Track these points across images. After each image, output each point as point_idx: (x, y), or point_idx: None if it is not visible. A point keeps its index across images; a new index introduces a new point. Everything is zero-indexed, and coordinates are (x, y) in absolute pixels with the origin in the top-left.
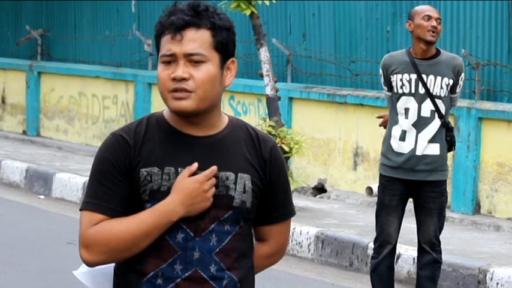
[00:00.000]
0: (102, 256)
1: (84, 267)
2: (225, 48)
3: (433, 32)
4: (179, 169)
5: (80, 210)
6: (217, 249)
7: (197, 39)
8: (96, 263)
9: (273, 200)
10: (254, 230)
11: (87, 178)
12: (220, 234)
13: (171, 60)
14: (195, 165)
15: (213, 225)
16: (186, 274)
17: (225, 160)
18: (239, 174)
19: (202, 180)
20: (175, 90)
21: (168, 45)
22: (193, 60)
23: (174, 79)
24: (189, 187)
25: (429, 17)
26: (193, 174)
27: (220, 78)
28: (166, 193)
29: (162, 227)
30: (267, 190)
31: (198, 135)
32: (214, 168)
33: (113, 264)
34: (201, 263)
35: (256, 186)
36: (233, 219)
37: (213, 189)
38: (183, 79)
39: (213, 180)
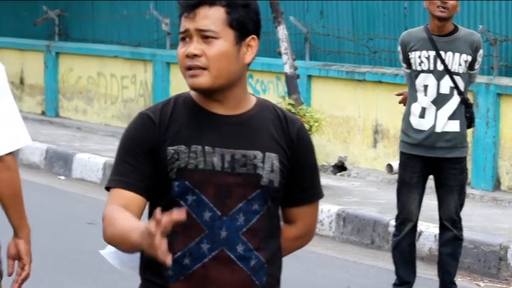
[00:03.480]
0: (106, 238)
1: (110, 247)
2: (241, 25)
3: (443, 7)
4: (206, 147)
5: (105, 188)
6: (245, 229)
7: (210, 16)
8: (106, 241)
9: (300, 181)
10: (282, 212)
11: (107, 158)
12: (248, 214)
13: (186, 36)
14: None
15: (240, 204)
16: (213, 254)
17: (252, 139)
18: (266, 153)
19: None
20: (190, 68)
21: (183, 23)
22: (205, 36)
23: (187, 56)
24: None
25: None
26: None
27: (236, 55)
28: (194, 171)
29: (137, 248)
30: (294, 170)
31: (224, 114)
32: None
33: None
34: (228, 243)
35: (283, 166)
36: (261, 198)
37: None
38: (196, 56)
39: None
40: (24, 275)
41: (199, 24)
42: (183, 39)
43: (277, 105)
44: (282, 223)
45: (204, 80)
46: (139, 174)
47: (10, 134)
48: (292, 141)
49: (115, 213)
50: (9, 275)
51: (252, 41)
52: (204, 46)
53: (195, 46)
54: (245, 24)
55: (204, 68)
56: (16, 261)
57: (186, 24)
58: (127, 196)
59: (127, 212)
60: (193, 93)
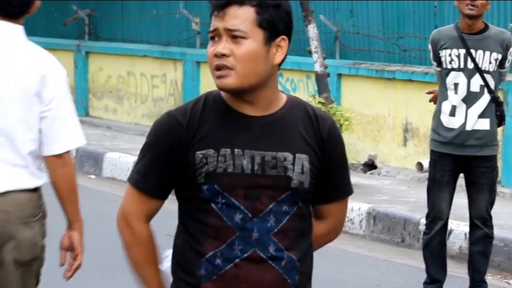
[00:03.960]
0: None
1: (168, 260)
2: (271, 25)
3: (472, 5)
4: (235, 150)
5: (127, 180)
6: (276, 230)
7: (239, 16)
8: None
9: (331, 179)
10: (312, 208)
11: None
12: (278, 215)
13: (215, 35)
14: None
15: (270, 206)
16: (245, 255)
17: (283, 140)
18: (297, 155)
19: None
20: (218, 68)
21: (212, 22)
22: (234, 35)
23: (216, 55)
24: None
25: None
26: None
27: (265, 56)
28: (222, 174)
29: None
30: (325, 169)
31: (254, 114)
32: None
33: None
34: (259, 244)
35: (314, 166)
36: (291, 199)
37: None
38: (224, 55)
39: None
40: (77, 265)
41: (228, 23)
42: (213, 38)
43: (308, 103)
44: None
45: (231, 80)
46: (159, 179)
47: (69, 134)
48: (323, 140)
49: (146, 250)
50: (62, 265)
51: (282, 42)
52: (233, 46)
53: (223, 46)
54: (275, 24)
55: (231, 68)
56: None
57: (215, 23)
58: (144, 201)
59: (155, 252)
60: (223, 92)
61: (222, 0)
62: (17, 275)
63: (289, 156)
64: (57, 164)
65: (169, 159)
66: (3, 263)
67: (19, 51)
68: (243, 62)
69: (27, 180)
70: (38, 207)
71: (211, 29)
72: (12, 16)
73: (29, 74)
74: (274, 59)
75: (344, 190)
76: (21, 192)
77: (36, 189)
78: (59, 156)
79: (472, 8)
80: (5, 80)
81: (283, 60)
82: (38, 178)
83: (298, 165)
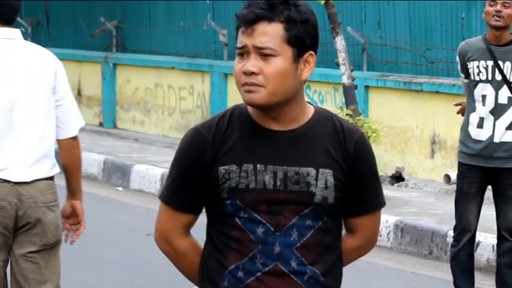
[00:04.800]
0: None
1: None
2: (299, 41)
3: (497, 16)
4: (258, 166)
5: (159, 198)
6: (298, 244)
7: (268, 33)
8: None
9: (360, 192)
10: (344, 221)
11: (165, 169)
12: (302, 229)
13: (243, 52)
14: None
15: (293, 220)
16: (267, 268)
17: (306, 155)
18: (320, 170)
19: None
20: (246, 84)
21: (240, 38)
22: (263, 53)
23: (244, 73)
24: None
25: (494, 2)
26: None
27: (293, 73)
28: (245, 190)
29: None
30: (353, 183)
31: (279, 129)
32: None
33: None
34: (281, 258)
35: (339, 181)
36: (315, 214)
37: None
38: (253, 73)
39: None
40: (82, 229)
41: (257, 41)
42: (240, 54)
43: (336, 115)
44: (343, 232)
45: (260, 96)
46: (189, 195)
47: (78, 117)
48: (349, 155)
49: (171, 242)
50: (67, 230)
51: (310, 57)
52: (262, 63)
53: (252, 63)
54: (303, 40)
55: (260, 86)
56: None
57: (243, 39)
58: (178, 217)
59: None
60: (249, 107)
61: (250, 15)
62: (44, 260)
63: (313, 171)
64: (73, 145)
65: (196, 174)
66: (33, 245)
67: (28, 51)
68: (273, 80)
69: (50, 169)
70: (55, 194)
71: (239, 45)
72: (12, 22)
73: (44, 71)
74: (302, 74)
75: (375, 203)
76: (44, 180)
77: (52, 177)
78: (74, 138)
79: (498, 19)
80: (26, 78)
81: (309, 75)
82: (55, 167)
83: (321, 181)
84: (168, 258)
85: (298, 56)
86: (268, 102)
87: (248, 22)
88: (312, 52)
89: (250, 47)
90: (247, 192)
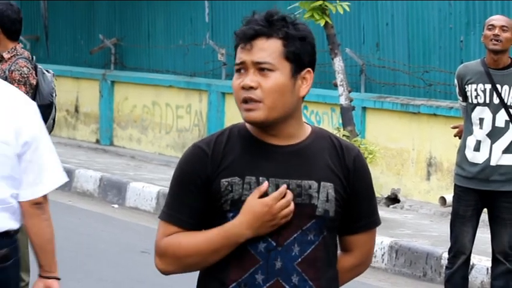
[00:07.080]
0: (174, 267)
1: None
2: (297, 58)
3: (495, 40)
4: (260, 178)
5: (159, 218)
6: (300, 259)
7: (267, 49)
8: (169, 272)
9: (357, 210)
10: (339, 239)
11: (161, 187)
12: (303, 244)
13: (242, 68)
14: (265, 185)
15: (295, 235)
16: (268, 284)
17: (307, 169)
18: (322, 183)
19: (271, 204)
20: (245, 101)
21: (239, 54)
22: (261, 68)
23: (243, 88)
24: (258, 210)
25: (493, 26)
26: (276, 183)
27: (291, 88)
28: None
29: (229, 248)
30: (350, 199)
31: (279, 144)
32: (283, 188)
33: None
34: (283, 273)
35: (339, 195)
36: (316, 228)
37: (288, 208)
38: (251, 88)
39: (286, 200)
40: None
41: (256, 56)
42: (239, 70)
43: (333, 134)
44: (338, 252)
45: (259, 113)
46: (191, 210)
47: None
48: (349, 171)
49: (176, 240)
50: None
51: (307, 74)
52: (260, 78)
53: (251, 78)
54: (301, 56)
55: (259, 101)
56: None
57: (242, 55)
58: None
59: (182, 234)
60: (248, 125)
61: (249, 31)
62: None
63: (314, 184)
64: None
65: (196, 189)
66: None
67: None
68: (270, 95)
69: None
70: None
71: (237, 61)
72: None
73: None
74: (300, 91)
75: (370, 221)
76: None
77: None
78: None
79: (496, 43)
80: None
81: (307, 92)
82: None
83: (323, 193)
84: (177, 271)
85: (296, 72)
86: (267, 118)
87: (247, 38)
88: (309, 69)
89: (249, 63)
90: None
